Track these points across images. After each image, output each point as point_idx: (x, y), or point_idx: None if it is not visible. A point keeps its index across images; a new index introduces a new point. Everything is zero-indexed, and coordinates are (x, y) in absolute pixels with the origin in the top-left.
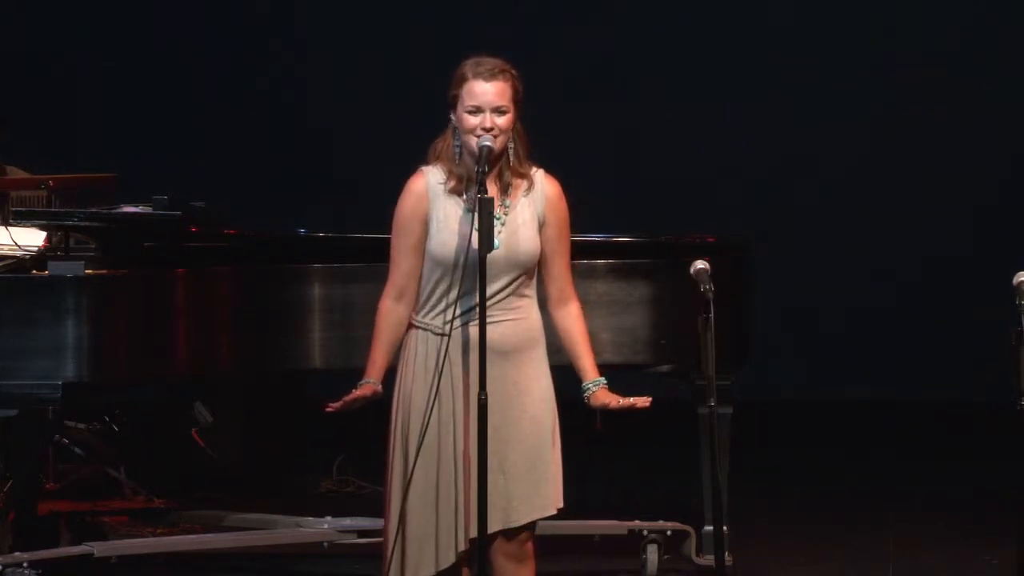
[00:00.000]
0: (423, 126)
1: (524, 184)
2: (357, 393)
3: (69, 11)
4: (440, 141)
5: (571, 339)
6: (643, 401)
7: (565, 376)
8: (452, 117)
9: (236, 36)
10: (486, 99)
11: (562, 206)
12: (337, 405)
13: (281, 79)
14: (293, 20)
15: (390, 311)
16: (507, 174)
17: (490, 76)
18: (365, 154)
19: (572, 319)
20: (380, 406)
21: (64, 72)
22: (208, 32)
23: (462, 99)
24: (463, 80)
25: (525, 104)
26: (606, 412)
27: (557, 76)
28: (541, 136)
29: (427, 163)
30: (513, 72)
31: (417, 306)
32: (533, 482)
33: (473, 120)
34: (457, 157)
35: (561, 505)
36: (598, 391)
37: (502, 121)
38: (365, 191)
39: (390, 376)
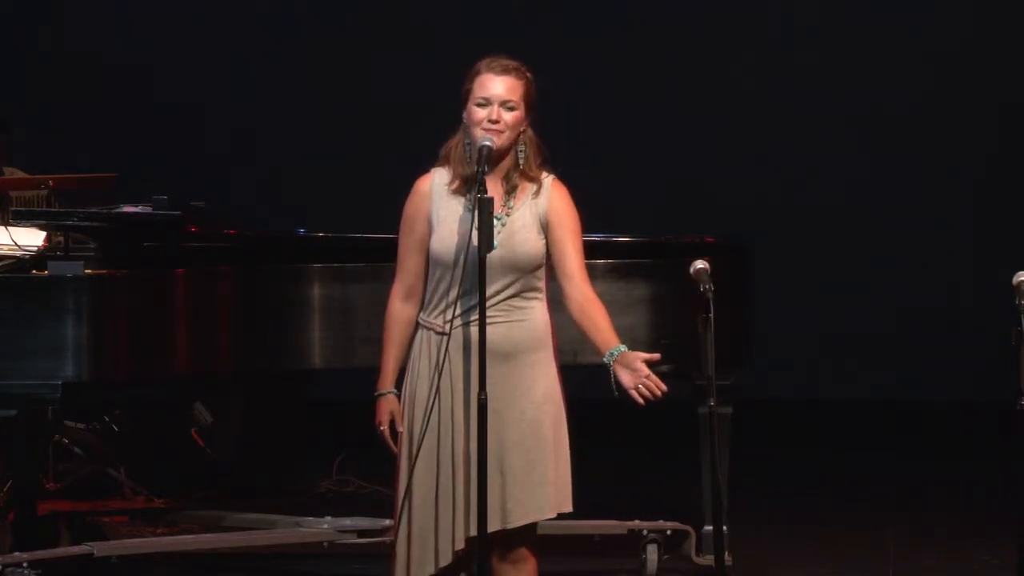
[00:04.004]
0: (427, 127)
1: (532, 188)
2: (387, 428)
3: (69, 11)
4: (450, 141)
5: (591, 320)
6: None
7: (573, 377)
8: (464, 116)
9: (237, 35)
10: (495, 92)
11: (567, 207)
12: (393, 447)
13: (280, 79)
14: (293, 20)
15: (399, 312)
16: (514, 176)
17: (502, 71)
18: (367, 154)
19: (590, 305)
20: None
21: (64, 72)
22: (209, 32)
23: (473, 92)
24: (476, 74)
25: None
26: (619, 384)
27: (557, 76)
28: (542, 136)
29: (438, 164)
30: (528, 74)
31: (423, 305)
32: (530, 485)
33: (480, 112)
34: (467, 156)
35: (567, 510)
36: (620, 356)
37: (509, 117)
38: (365, 191)
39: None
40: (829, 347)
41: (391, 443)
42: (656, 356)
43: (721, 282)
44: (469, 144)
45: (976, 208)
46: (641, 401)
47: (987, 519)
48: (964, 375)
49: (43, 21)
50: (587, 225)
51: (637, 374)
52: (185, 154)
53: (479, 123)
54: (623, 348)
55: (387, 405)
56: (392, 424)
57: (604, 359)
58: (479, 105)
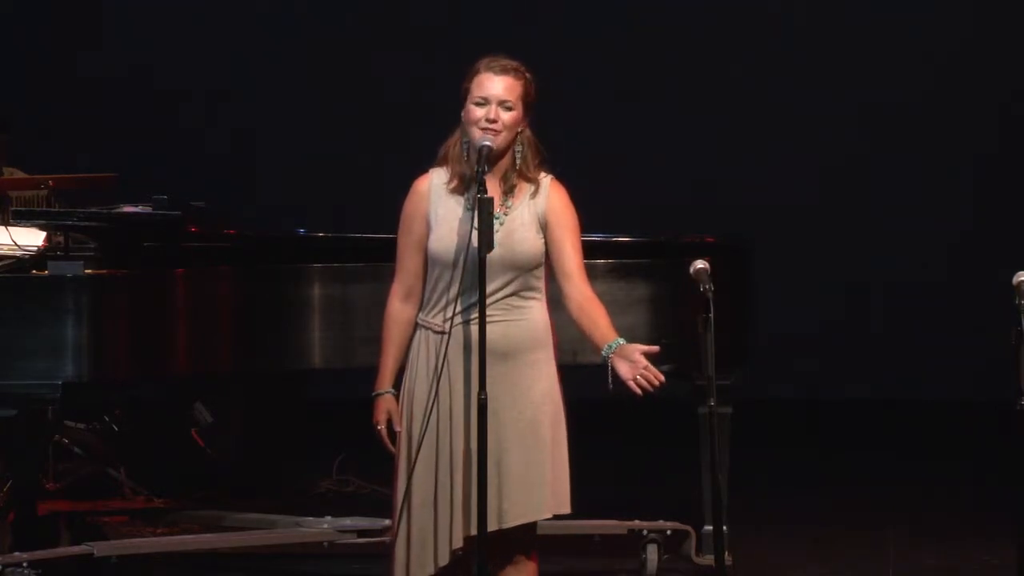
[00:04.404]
0: (427, 127)
1: (530, 188)
2: (384, 427)
3: (69, 12)
4: (449, 141)
5: (589, 318)
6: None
7: (573, 377)
8: (463, 115)
9: (237, 35)
10: (493, 91)
11: (565, 207)
12: (390, 446)
13: (280, 79)
14: (293, 20)
15: (399, 312)
16: (512, 176)
17: (501, 71)
18: (367, 154)
19: (589, 303)
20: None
21: (64, 72)
22: (209, 32)
23: (471, 91)
24: (475, 73)
25: (536, 107)
26: (617, 377)
27: (557, 76)
28: (541, 136)
29: (437, 164)
30: (527, 75)
31: (422, 305)
32: (527, 485)
33: (478, 112)
34: (465, 156)
35: (565, 511)
36: (619, 349)
37: (507, 116)
38: (365, 191)
39: (399, 375)
40: (829, 347)
41: (388, 442)
42: (655, 348)
43: (721, 282)
44: (467, 143)
45: (976, 208)
46: (639, 392)
47: (987, 519)
48: (964, 375)
49: (43, 21)
50: (587, 225)
51: (636, 365)
52: (185, 154)
53: (476, 122)
54: (621, 341)
55: (384, 404)
56: (389, 424)
57: (603, 352)
58: (477, 104)
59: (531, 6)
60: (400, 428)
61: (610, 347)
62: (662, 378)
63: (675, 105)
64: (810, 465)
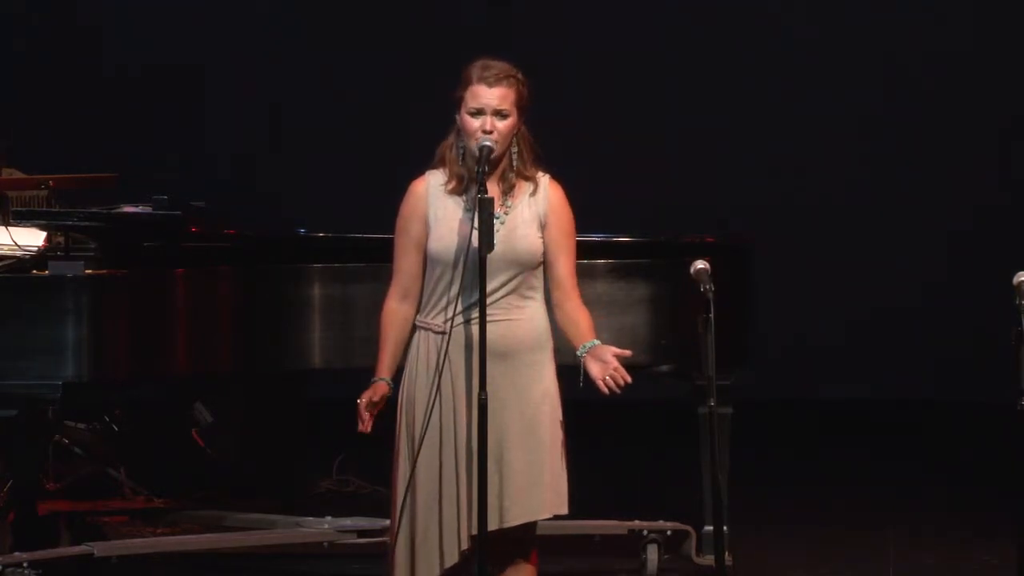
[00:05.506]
0: (427, 128)
1: (529, 187)
2: (365, 400)
3: (68, 11)
4: (445, 143)
5: (573, 322)
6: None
7: (573, 377)
8: (457, 120)
9: (237, 35)
10: (488, 102)
11: (564, 210)
12: (366, 425)
13: (280, 80)
14: (293, 20)
15: (395, 311)
16: (511, 176)
17: (494, 81)
18: (367, 154)
19: (576, 311)
20: (384, 406)
21: (64, 72)
22: (209, 32)
23: (466, 101)
24: (468, 83)
25: (531, 107)
26: (587, 376)
27: (557, 75)
28: (541, 136)
29: (433, 166)
30: (519, 77)
31: (420, 306)
32: (527, 485)
33: (474, 123)
34: (460, 158)
35: (563, 511)
36: (592, 349)
37: (502, 125)
38: (365, 191)
39: (398, 376)
40: (829, 347)
41: (363, 416)
42: (627, 352)
43: (721, 282)
44: (462, 147)
45: (976, 208)
46: (606, 391)
47: (987, 519)
48: (964, 375)
49: (43, 21)
50: (587, 225)
51: (606, 366)
52: (185, 154)
53: (473, 133)
54: (597, 342)
55: (373, 387)
56: (371, 404)
57: (577, 352)
58: (471, 115)
59: (531, 6)
60: (382, 405)
61: (584, 347)
62: (629, 379)
63: (675, 105)
64: (810, 465)
